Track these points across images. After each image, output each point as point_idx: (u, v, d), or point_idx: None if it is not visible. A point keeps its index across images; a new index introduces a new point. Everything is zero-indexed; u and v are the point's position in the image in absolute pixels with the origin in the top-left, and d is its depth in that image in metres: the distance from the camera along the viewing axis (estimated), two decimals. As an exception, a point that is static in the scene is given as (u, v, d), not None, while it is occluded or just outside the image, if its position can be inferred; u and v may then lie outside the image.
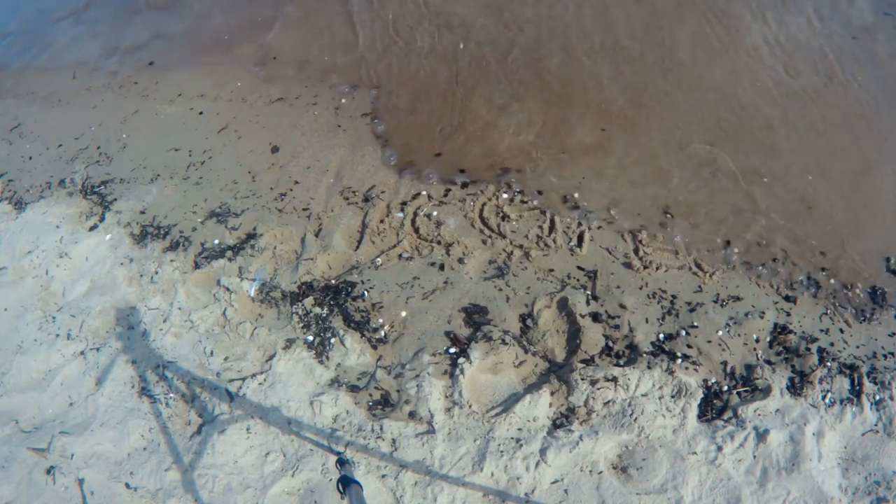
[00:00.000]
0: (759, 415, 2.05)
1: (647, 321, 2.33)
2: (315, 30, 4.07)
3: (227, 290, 2.57)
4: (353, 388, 2.23)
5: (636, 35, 3.59)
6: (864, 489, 1.91)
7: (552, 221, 2.71)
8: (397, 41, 3.82)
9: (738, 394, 2.13)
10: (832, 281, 2.44)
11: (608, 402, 2.09)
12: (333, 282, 2.57)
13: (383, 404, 2.18)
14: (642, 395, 2.10)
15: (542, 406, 2.09)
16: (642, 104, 3.24)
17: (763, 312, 2.34)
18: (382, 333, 2.38)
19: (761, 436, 1.98)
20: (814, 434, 2.00)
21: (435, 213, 2.78)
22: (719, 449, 1.97)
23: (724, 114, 3.15)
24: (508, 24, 3.76)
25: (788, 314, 2.35)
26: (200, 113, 3.62)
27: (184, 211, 3.01)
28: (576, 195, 2.82)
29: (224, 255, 2.73)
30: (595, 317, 2.35)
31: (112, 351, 2.46)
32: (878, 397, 2.11)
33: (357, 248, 2.70)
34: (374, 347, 2.34)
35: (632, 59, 3.47)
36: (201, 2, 4.68)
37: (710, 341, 2.26)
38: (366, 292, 2.51)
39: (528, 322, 2.36)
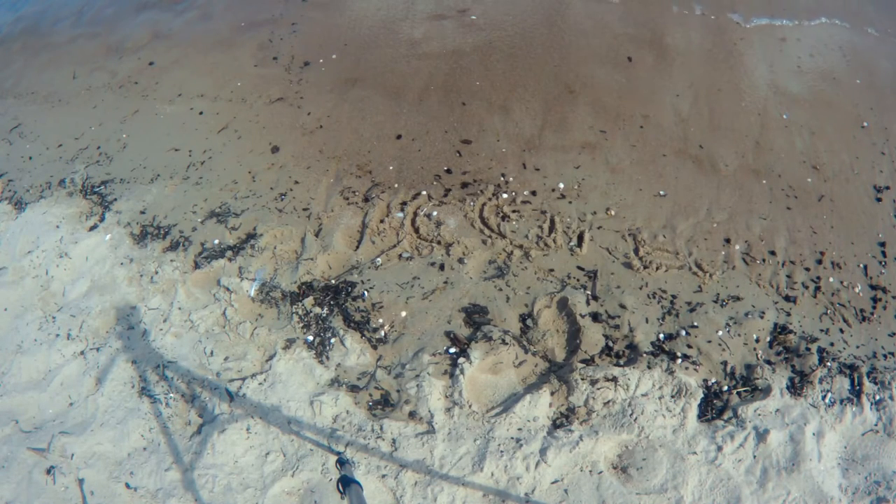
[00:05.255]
0: (759, 415, 2.05)
1: (647, 321, 2.33)
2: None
3: (227, 290, 2.57)
4: (353, 388, 2.23)
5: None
6: (864, 489, 1.91)
7: (552, 221, 2.71)
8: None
9: (738, 394, 2.13)
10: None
11: (608, 402, 2.09)
12: (333, 282, 2.57)
13: (383, 404, 2.18)
14: (642, 395, 2.10)
15: (542, 406, 2.09)
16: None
17: (763, 312, 2.34)
18: (382, 333, 2.38)
19: (761, 436, 1.98)
20: (814, 434, 2.00)
21: (435, 213, 2.78)
22: (719, 449, 1.97)
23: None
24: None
25: (788, 314, 2.35)
26: (200, 113, 3.62)
27: (184, 211, 3.01)
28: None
29: (224, 255, 2.73)
30: (595, 317, 2.35)
31: (112, 351, 2.46)
32: (878, 397, 2.11)
33: (357, 248, 2.70)
34: (374, 347, 2.34)
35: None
36: (202, 2, 4.68)
37: (710, 341, 2.26)
38: (366, 292, 2.51)
39: (528, 322, 2.35)
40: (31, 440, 2.21)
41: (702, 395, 2.11)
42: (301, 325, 2.43)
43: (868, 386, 2.13)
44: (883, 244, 2.61)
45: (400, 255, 2.64)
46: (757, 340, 2.27)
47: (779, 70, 3.43)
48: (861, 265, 2.53)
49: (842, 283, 2.46)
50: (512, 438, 2.02)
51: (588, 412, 2.07)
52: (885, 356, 2.24)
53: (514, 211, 2.77)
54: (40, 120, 3.96)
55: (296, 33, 4.07)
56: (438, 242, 2.67)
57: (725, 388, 2.15)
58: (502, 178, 2.93)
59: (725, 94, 3.29)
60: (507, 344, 2.25)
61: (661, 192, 2.82)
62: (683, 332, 2.29)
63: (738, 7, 3.86)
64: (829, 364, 2.19)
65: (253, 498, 1.98)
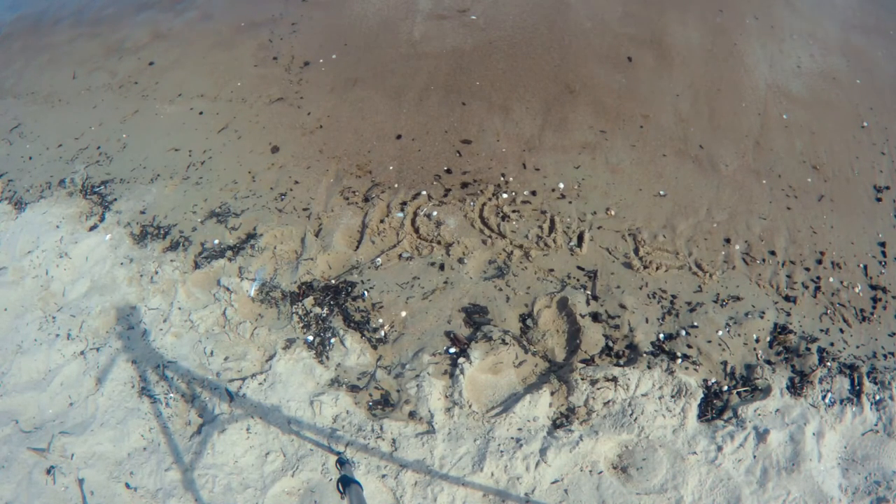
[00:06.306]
0: (759, 415, 2.05)
1: (647, 321, 2.33)
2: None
3: (227, 290, 2.57)
4: (353, 388, 2.23)
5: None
6: (864, 489, 1.91)
7: (552, 221, 2.71)
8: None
9: (738, 394, 2.13)
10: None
11: (608, 402, 2.09)
12: (333, 282, 2.57)
13: (383, 404, 2.18)
14: (642, 395, 2.10)
15: (542, 406, 2.09)
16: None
17: (763, 312, 2.34)
18: (382, 333, 2.38)
19: (761, 436, 1.98)
20: (814, 434, 2.00)
21: (435, 213, 2.78)
22: (719, 449, 1.97)
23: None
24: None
25: (788, 314, 2.35)
26: (200, 113, 3.62)
27: (184, 211, 3.01)
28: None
29: (224, 255, 2.73)
30: (595, 317, 2.35)
31: (112, 351, 2.46)
32: (878, 397, 2.11)
33: (357, 248, 2.70)
34: (374, 347, 2.34)
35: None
36: (202, 2, 4.69)
37: (710, 341, 2.26)
38: (366, 292, 2.51)
39: (528, 322, 2.35)
40: (31, 440, 2.21)
41: (702, 395, 2.11)
42: (301, 325, 2.43)
43: (868, 386, 2.13)
44: (883, 244, 2.61)
45: (400, 255, 2.64)
46: (757, 340, 2.27)
47: (779, 70, 3.43)
48: (861, 265, 2.53)
49: (842, 283, 2.46)
50: (512, 438, 2.02)
51: (588, 412, 2.07)
52: (885, 356, 2.24)
53: (514, 211, 2.77)
54: (40, 120, 3.96)
55: (296, 33, 4.07)
56: (438, 242, 2.67)
57: (725, 388, 2.15)
58: (502, 178, 2.93)
59: (725, 94, 3.29)
60: (507, 344, 2.25)
61: (661, 192, 2.82)
62: (683, 332, 2.29)
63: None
64: (829, 364, 2.19)
65: (253, 498, 1.98)
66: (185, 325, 2.49)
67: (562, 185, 2.87)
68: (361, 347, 2.34)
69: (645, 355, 2.21)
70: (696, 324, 2.31)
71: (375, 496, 1.95)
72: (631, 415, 2.05)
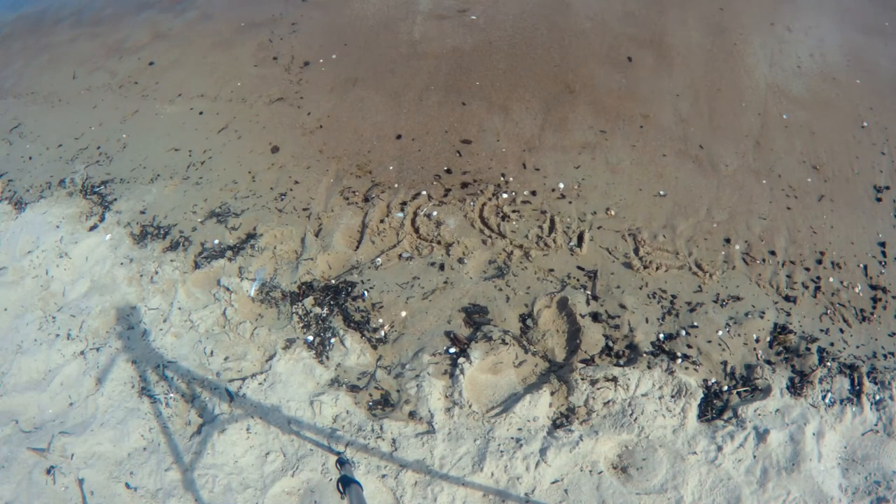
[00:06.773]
0: (759, 415, 2.05)
1: (647, 321, 2.33)
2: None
3: (227, 290, 2.57)
4: (353, 388, 2.23)
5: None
6: (864, 489, 1.91)
7: (552, 221, 2.71)
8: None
9: (738, 394, 2.13)
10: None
11: (608, 402, 2.09)
12: (333, 282, 2.57)
13: (383, 404, 2.18)
14: (642, 395, 2.10)
15: (542, 406, 2.09)
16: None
17: (763, 312, 2.34)
18: (382, 333, 2.38)
19: (761, 436, 1.98)
20: (814, 434, 2.00)
21: (435, 213, 2.78)
22: (719, 449, 1.97)
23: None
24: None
25: (788, 314, 2.35)
26: (200, 113, 3.62)
27: (184, 211, 3.01)
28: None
29: (224, 255, 2.73)
30: (595, 317, 2.35)
31: (112, 351, 2.46)
32: (878, 397, 2.11)
33: (357, 248, 2.70)
34: (374, 347, 2.34)
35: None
36: (202, 2, 4.69)
37: (710, 341, 2.26)
38: (366, 292, 2.51)
39: (528, 322, 2.35)
40: (31, 440, 2.21)
41: (702, 395, 2.11)
42: (301, 325, 2.43)
43: (868, 386, 2.13)
44: (883, 244, 2.61)
45: (400, 255, 2.64)
46: (757, 340, 2.27)
47: (779, 70, 3.43)
48: (861, 265, 2.53)
49: (842, 283, 2.46)
50: (512, 438, 2.02)
51: (588, 412, 2.07)
52: (885, 356, 2.24)
53: (514, 211, 2.77)
54: (40, 120, 3.96)
55: (296, 33, 4.07)
56: (438, 242, 2.67)
57: (725, 388, 2.14)
58: (502, 178, 2.93)
59: (725, 94, 3.29)
60: (507, 344, 2.25)
61: (661, 192, 2.82)
62: (683, 332, 2.29)
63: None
64: (829, 364, 2.19)
65: (253, 498, 1.98)
66: (185, 325, 2.49)
67: (562, 185, 2.87)
68: (361, 347, 2.34)
69: (645, 355, 2.21)
70: (696, 324, 2.31)
71: (375, 496, 1.95)
72: (631, 415, 2.05)
